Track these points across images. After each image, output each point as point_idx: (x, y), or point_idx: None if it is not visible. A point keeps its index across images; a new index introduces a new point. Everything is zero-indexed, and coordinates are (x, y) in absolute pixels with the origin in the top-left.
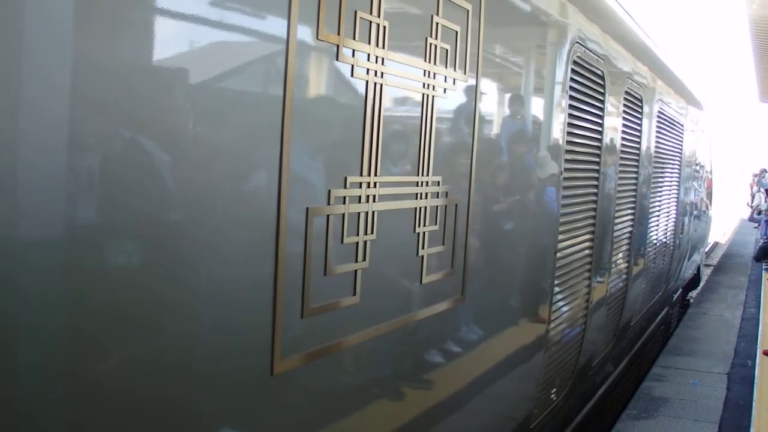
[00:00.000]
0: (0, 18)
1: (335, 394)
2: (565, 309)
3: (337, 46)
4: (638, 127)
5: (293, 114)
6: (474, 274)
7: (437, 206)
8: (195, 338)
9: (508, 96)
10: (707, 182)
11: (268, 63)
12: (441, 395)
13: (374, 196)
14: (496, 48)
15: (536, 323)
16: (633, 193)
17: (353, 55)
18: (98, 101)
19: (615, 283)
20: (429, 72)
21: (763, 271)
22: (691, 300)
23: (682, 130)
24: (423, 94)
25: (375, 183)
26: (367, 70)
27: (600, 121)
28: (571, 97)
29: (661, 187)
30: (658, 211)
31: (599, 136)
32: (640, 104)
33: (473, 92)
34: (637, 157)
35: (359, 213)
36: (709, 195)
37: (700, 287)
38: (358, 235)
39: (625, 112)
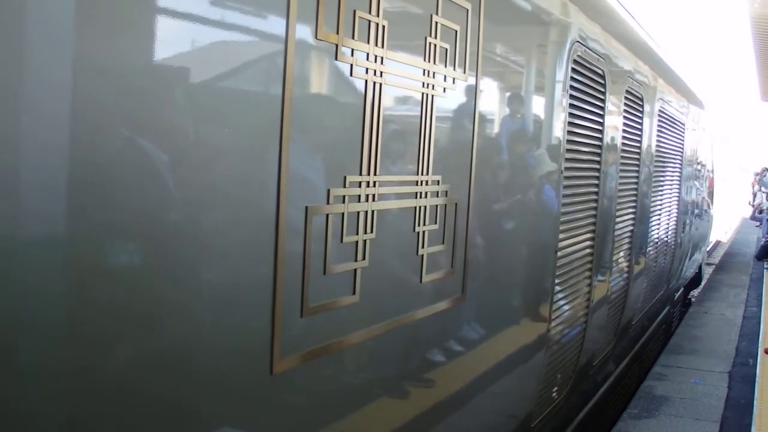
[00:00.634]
0: (1, 18)
1: (335, 394)
2: (565, 308)
3: (336, 45)
4: (639, 126)
5: (292, 113)
6: (474, 273)
7: (437, 205)
8: (194, 337)
9: (508, 95)
10: (709, 181)
11: (267, 62)
12: (441, 394)
13: (374, 195)
14: (495, 47)
15: (537, 322)
16: (634, 192)
17: (352, 55)
18: (97, 101)
19: (616, 282)
20: (428, 71)
21: (765, 270)
22: (692, 299)
23: (684, 128)
24: (422, 94)
25: (374, 182)
26: (367, 69)
27: (601, 120)
28: (572, 96)
29: (662, 185)
30: (660, 209)
31: (600, 135)
32: (641, 103)
33: (473, 91)
34: (638, 156)
35: (359, 212)
36: (711, 194)
37: (701, 286)
38: (357, 234)
39: (625, 111)
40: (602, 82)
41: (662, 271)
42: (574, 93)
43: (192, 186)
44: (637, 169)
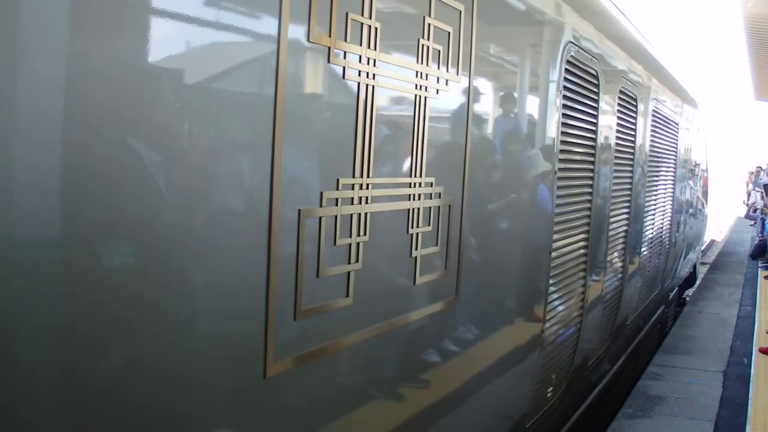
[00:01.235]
0: None
1: (328, 397)
2: (560, 308)
3: (329, 48)
4: (633, 126)
5: (285, 116)
6: (468, 274)
7: (430, 207)
8: (187, 340)
9: (501, 96)
10: (703, 180)
11: (259, 65)
12: (436, 396)
13: (367, 198)
14: (488, 48)
15: (531, 323)
16: (628, 192)
17: (345, 57)
18: (90, 102)
19: (610, 282)
20: (421, 73)
21: (759, 269)
22: (687, 298)
23: (677, 128)
24: (415, 95)
25: (367, 184)
26: (359, 71)
27: (594, 120)
28: (565, 97)
29: (656, 185)
30: (654, 209)
31: (593, 135)
32: (634, 103)
33: (466, 93)
34: (631, 156)
35: (352, 215)
36: (705, 193)
37: (696, 285)
38: (350, 236)
39: (619, 110)
40: (596, 82)
41: (657, 270)
42: (568, 93)
43: (185, 188)
44: (631, 168)
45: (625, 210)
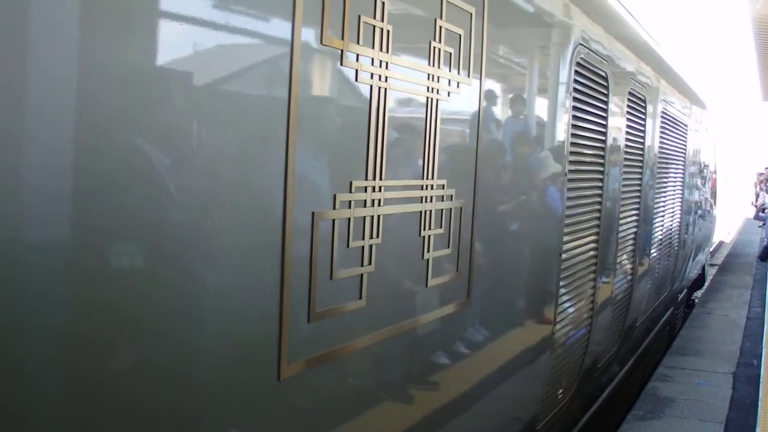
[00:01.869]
0: (5, 20)
1: (342, 399)
2: (570, 310)
3: (341, 50)
4: (642, 128)
5: (298, 118)
6: (479, 276)
7: (442, 209)
8: (201, 343)
9: (511, 98)
10: (711, 182)
11: (272, 67)
12: (448, 397)
13: (379, 200)
14: (499, 50)
15: (542, 325)
16: (637, 194)
17: (357, 60)
18: (101, 104)
19: (620, 283)
20: (433, 75)
21: None
22: (696, 300)
23: (686, 129)
24: (427, 98)
25: (380, 187)
26: (371, 74)
27: (604, 122)
28: (575, 99)
29: (665, 187)
30: (663, 211)
31: (603, 137)
32: (643, 104)
33: (477, 95)
34: (641, 158)
35: (365, 217)
36: (714, 194)
37: (705, 287)
38: (363, 239)
39: (628, 112)
40: (605, 83)
41: (666, 272)
42: (578, 95)
43: (198, 191)
44: (640, 170)
45: (634, 211)
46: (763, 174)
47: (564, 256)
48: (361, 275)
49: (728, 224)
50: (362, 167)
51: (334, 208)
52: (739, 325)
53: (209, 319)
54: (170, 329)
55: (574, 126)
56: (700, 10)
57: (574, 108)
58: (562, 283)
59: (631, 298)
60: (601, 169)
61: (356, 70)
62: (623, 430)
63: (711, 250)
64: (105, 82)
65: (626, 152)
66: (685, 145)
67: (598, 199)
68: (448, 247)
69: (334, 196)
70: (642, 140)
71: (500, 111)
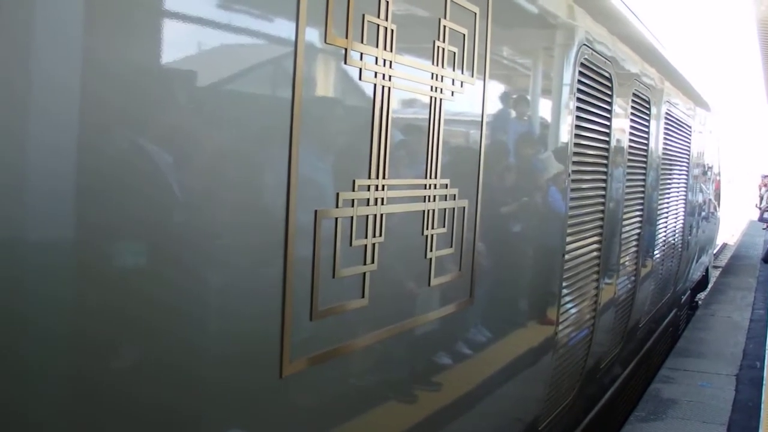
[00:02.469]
0: (6, 19)
1: (344, 397)
2: (573, 311)
3: (345, 49)
4: (646, 129)
5: (302, 117)
6: (482, 276)
7: (445, 209)
8: (204, 341)
9: (515, 98)
10: (715, 183)
11: (276, 66)
12: (450, 397)
13: (382, 199)
14: (503, 50)
15: (545, 325)
16: (641, 195)
17: (361, 59)
18: (104, 103)
19: (623, 285)
20: (437, 75)
21: None
22: (699, 302)
23: (690, 131)
24: (431, 97)
25: (383, 186)
26: (375, 73)
27: (608, 123)
28: (579, 99)
29: (669, 188)
30: (666, 212)
31: (607, 138)
32: (647, 106)
33: (481, 95)
34: (644, 159)
35: (367, 216)
36: (718, 196)
37: (708, 289)
38: (366, 237)
39: (632, 113)
40: (609, 84)
41: (669, 273)
42: (582, 96)
43: (201, 190)
44: (644, 171)
45: (638, 213)
46: (767, 176)
47: (567, 256)
48: (364, 274)
49: (732, 226)
50: (365, 166)
51: (337, 207)
52: (742, 327)
53: (211, 318)
54: (172, 328)
55: (577, 127)
56: (705, 11)
57: (578, 109)
58: (564, 284)
59: (634, 299)
60: (605, 170)
61: (360, 69)
62: (626, 431)
63: (714, 252)
64: (107, 81)
65: (630, 154)
66: (689, 147)
67: (602, 200)
68: (451, 247)
69: (337, 194)
70: (646, 142)
71: (504, 111)
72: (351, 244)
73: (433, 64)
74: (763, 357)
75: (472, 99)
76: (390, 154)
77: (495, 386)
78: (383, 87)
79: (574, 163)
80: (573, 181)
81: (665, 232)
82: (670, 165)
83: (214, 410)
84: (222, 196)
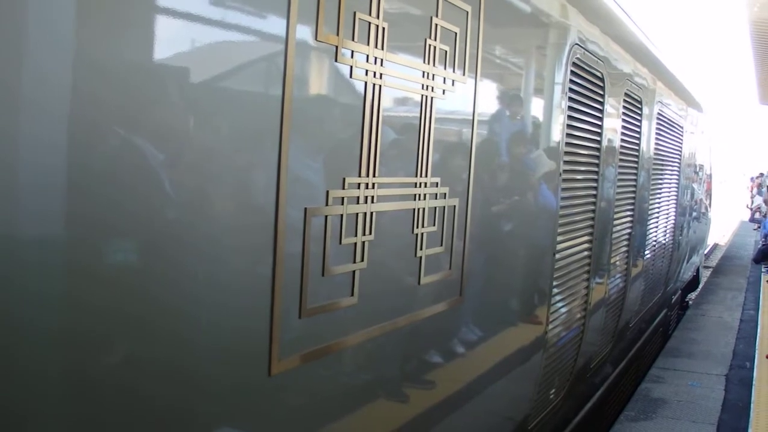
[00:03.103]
0: (1, 17)
1: (333, 396)
2: (563, 310)
3: (336, 47)
4: (638, 129)
5: (292, 115)
6: (472, 275)
7: (436, 207)
8: (192, 339)
9: (507, 97)
10: (707, 184)
11: (267, 63)
12: (439, 396)
13: (372, 197)
14: (495, 49)
15: (535, 324)
16: (632, 195)
17: (352, 56)
18: (95, 100)
19: (614, 284)
20: (428, 73)
21: (762, 274)
22: (690, 302)
23: (682, 131)
24: (422, 96)
25: (373, 184)
26: (366, 71)
27: (599, 123)
28: (571, 99)
29: (660, 188)
30: (658, 212)
31: (598, 138)
32: (639, 106)
33: (472, 93)
34: (636, 159)
35: (357, 214)
36: (709, 196)
37: (699, 289)
38: (356, 235)
39: (624, 113)
40: (601, 84)
41: (660, 273)
42: (573, 95)
43: (191, 187)
44: (635, 171)
45: (629, 212)
46: (757, 178)
47: (557, 256)
48: (353, 272)
49: (723, 227)
50: (356, 164)
51: (327, 205)
52: (732, 328)
53: (200, 315)
54: (161, 325)
55: (569, 126)
56: (698, 12)
57: (570, 108)
58: (555, 283)
59: (624, 299)
60: (596, 169)
61: (351, 67)
62: (615, 430)
63: (706, 252)
64: (98, 78)
65: (621, 153)
66: (680, 147)
67: (593, 200)
68: (441, 245)
69: (327, 192)
70: (637, 141)
71: (495, 110)
72: (341, 242)
73: (424, 62)
74: (752, 357)
75: (463, 98)
76: (380, 152)
77: (484, 385)
78: (374, 85)
79: (566, 162)
80: (564, 180)
81: (656, 232)
82: (662, 165)
83: (202, 408)
84: (211, 193)
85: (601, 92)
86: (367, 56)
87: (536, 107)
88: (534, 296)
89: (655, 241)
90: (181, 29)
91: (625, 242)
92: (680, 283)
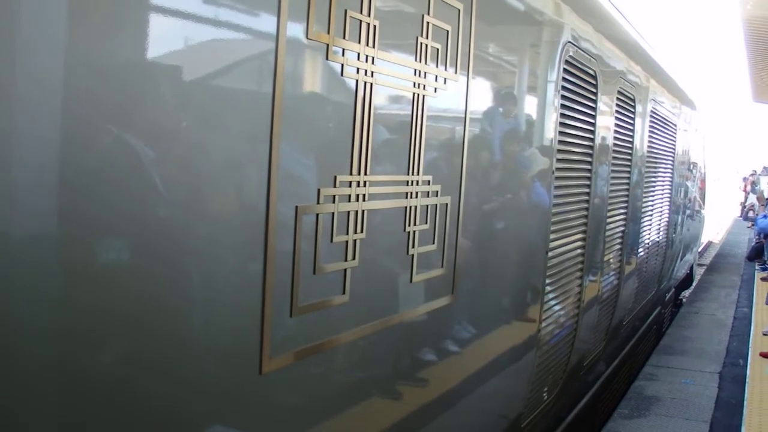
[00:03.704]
0: None
1: (324, 394)
2: (556, 308)
3: (327, 45)
4: (631, 127)
5: (283, 113)
6: (465, 273)
7: (428, 205)
8: (183, 337)
9: (499, 95)
10: (700, 182)
11: (257, 61)
12: (431, 394)
13: (364, 195)
14: (487, 47)
15: (527, 322)
16: (625, 193)
17: (343, 54)
18: (87, 99)
19: (607, 282)
20: (420, 71)
21: (756, 271)
22: (683, 299)
23: (675, 129)
24: (413, 93)
25: (365, 182)
26: (357, 69)
27: (592, 121)
28: (564, 97)
29: (653, 186)
30: (651, 210)
31: (591, 136)
32: (632, 104)
33: (464, 91)
34: (629, 157)
35: (349, 212)
36: (703, 194)
37: (692, 287)
38: (347, 233)
39: (617, 111)
40: (594, 82)
41: (653, 271)
42: (566, 93)
43: (182, 185)
44: (628, 169)
45: (622, 210)
46: (750, 176)
47: (551, 254)
48: (345, 270)
49: (717, 224)
50: (347, 162)
51: (318, 203)
52: (726, 325)
53: (191, 313)
54: (152, 323)
55: (562, 124)
56: (691, 11)
57: (563, 106)
58: (548, 281)
59: (618, 296)
60: (589, 167)
61: (342, 65)
62: (609, 428)
63: (699, 249)
64: (89, 76)
65: (615, 151)
66: (674, 145)
67: (586, 198)
68: (434, 243)
69: (319, 190)
70: (631, 139)
71: (487, 108)
72: (332, 240)
73: (416, 60)
74: (746, 355)
75: (455, 95)
76: (372, 150)
77: (477, 383)
78: (365, 83)
79: (559, 160)
80: (557, 178)
81: (650, 229)
82: (655, 163)
83: (193, 406)
84: (202, 192)
85: (594, 90)
86: (359, 54)
87: (529, 105)
88: (527, 294)
89: (649, 238)
90: (172, 27)
91: (619, 240)
92: (674, 281)
